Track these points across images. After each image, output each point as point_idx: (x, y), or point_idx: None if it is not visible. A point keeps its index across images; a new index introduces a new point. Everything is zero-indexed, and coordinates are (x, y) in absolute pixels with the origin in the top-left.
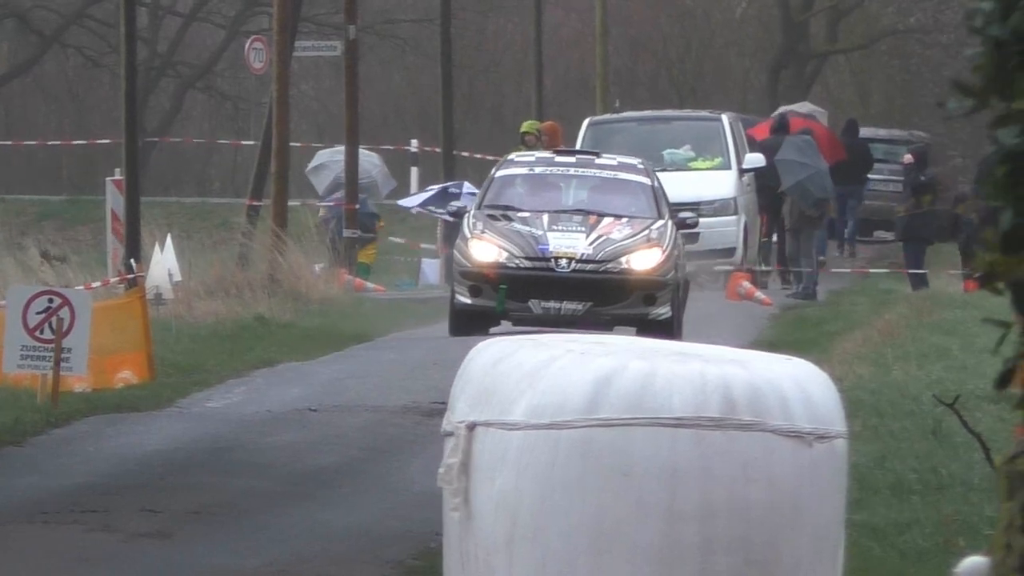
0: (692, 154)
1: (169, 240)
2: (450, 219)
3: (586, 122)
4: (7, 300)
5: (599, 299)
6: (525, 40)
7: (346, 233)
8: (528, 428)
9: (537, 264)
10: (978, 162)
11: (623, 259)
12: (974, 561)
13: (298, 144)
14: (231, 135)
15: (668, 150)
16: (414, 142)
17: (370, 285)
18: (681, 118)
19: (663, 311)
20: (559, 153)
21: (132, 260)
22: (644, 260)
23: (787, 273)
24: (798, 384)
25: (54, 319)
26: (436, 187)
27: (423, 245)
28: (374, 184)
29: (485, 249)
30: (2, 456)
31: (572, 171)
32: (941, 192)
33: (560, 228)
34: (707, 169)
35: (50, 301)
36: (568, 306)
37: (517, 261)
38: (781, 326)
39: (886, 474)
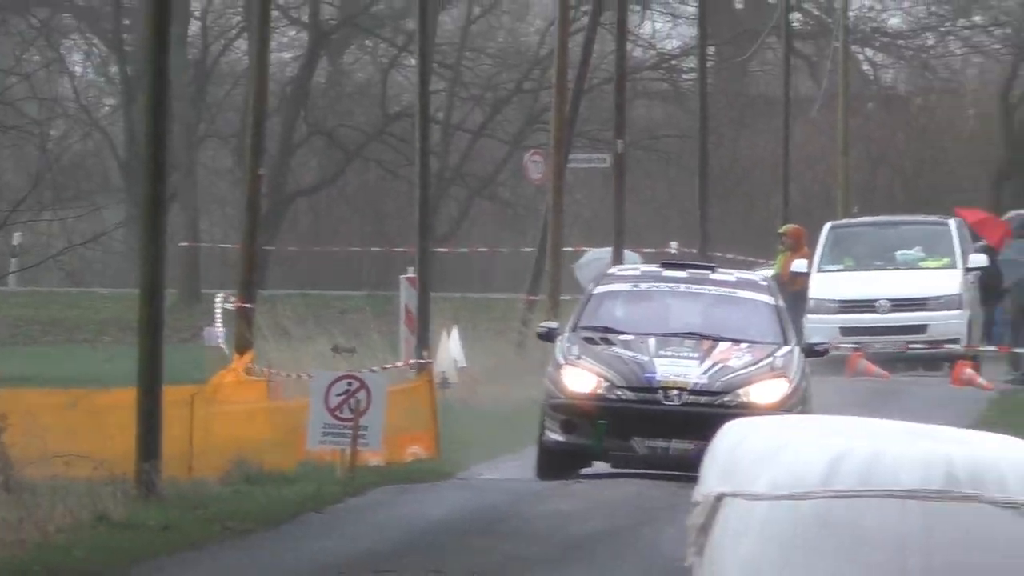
0: (923, 255)
1: (455, 331)
2: None
3: (827, 225)
4: (312, 384)
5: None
6: (776, 155)
7: None
8: (771, 499)
9: (642, 395)
10: None
11: (743, 391)
12: None
13: (570, 248)
14: (512, 238)
15: (900, 251)
16: (673, 244)
17: None
18: (913, 222)
19: None
20: (667, 267)
21: (422, 349)
22: (768, 392)
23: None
24: (1014, 460)
25: (353, 400)
26: None
27: None
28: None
29: (581, 378)
30: (306, 521)
31: (683, 287)
32: None
33: (669, 354)
34: (936, 268)
35: (349, 384)
36: (678, 445)
37: (619, 392)
38: (1001, 410)
39: None
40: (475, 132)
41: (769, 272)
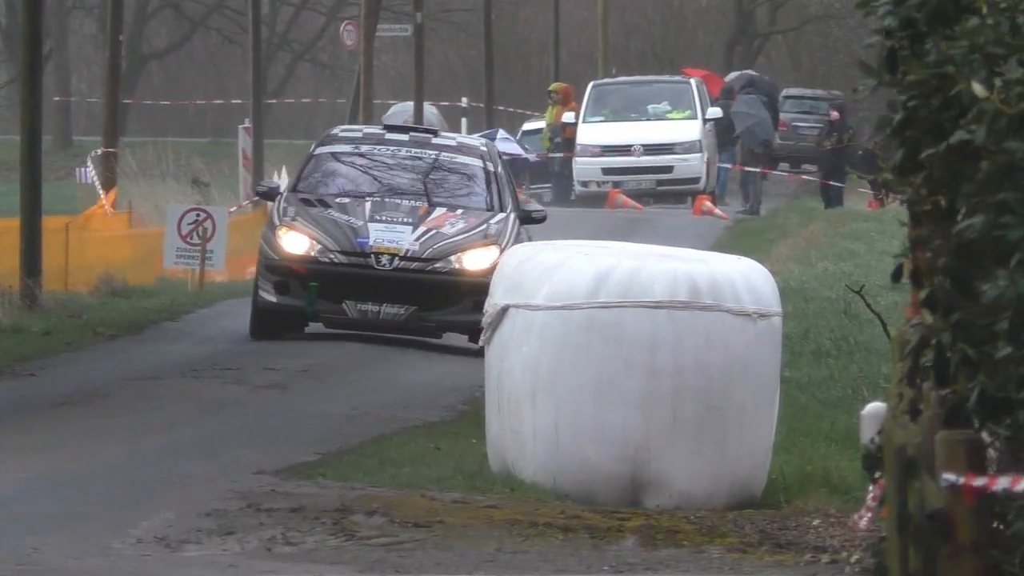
0: (669, 108)
1: (284, 170)
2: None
3: (591, 84)
4: (168, 214)
5: (425, 303)
6: (547, 24)
7: None
8: (548, 309)
9: (354, 260)
10: (877, 116)
11: (454, 257)
12: (875, 406)
13: (378, 101)
14: (330, 95)
15: (651, 105)
16: (464, 99)
17: None
18: (661, 81)
19: None
20: (390, 129)
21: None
22: (478, 260)
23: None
24: (745, 276)
25: (200, 228)
26: (479, 133)
27: None
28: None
29: (295, 240)
30: (163, 328)
31: (404, 151)
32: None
33: (384, 219)
34: (680, 119)
35: (197, 215)
36: (388, 310)
37: (331, 255)
38: (733, 235)
39: (809, 343)
40: (298, 5)
41: (541, 123)
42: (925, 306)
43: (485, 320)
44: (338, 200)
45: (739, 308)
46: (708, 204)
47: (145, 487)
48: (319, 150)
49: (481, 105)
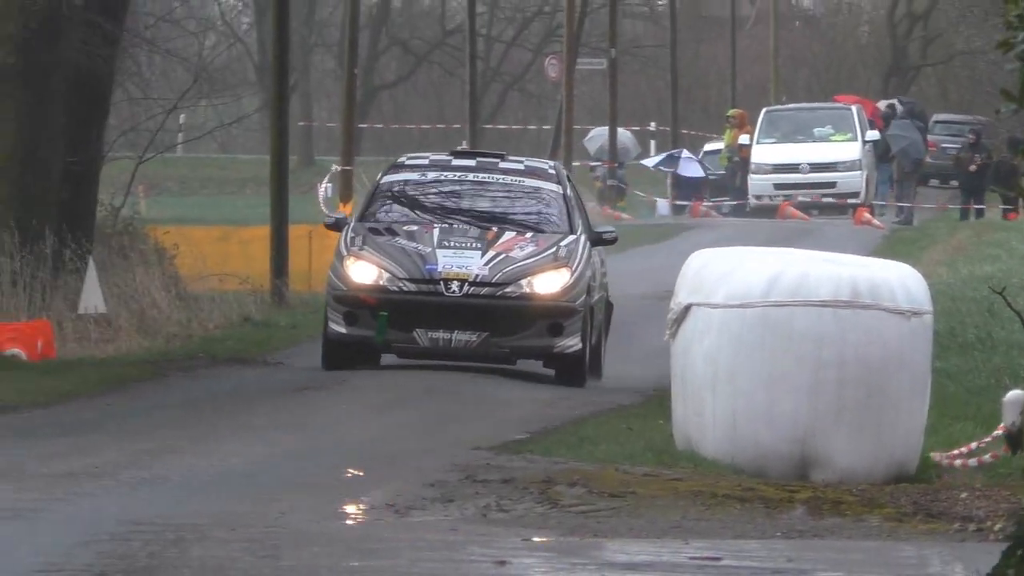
0: (832, 131)
1: None
2: (672, 172)
3: (763, 111)
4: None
5: (496, 328)
6: (725, 58)
7: (609, 182)
8: (726, 307)
9: (423, 287)
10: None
11: (524, 281)
12: (1015, 393)
13: (578, 126)
14: (536, 121)
15: (816, 128)
16: (652, 124)
17: (624, 216)
18: (826, 108)
19: (571, 343)
20: (457, 156)
21: None
22: (549, 283)
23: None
24: (900, 279)
25: None
26: (665, 153)
27: (656, 197)
28: (627, 150)
29: (363, 269)
30: None
31: (471, 176)
32: (992, 157)
33: (452, 244)
34: (842, 141)
35: None
36: (460, 337)
37: (400, 283)
38: (889, 243)
39: (956, 338)
40: (508, 42)
41: (720, 144)
42: None
43: (670, 317)
44: (406, 228)
45: (895, 307)
46: (867, 215)
47: (376, 460)
48: (386, 179)
49: (667, 129)
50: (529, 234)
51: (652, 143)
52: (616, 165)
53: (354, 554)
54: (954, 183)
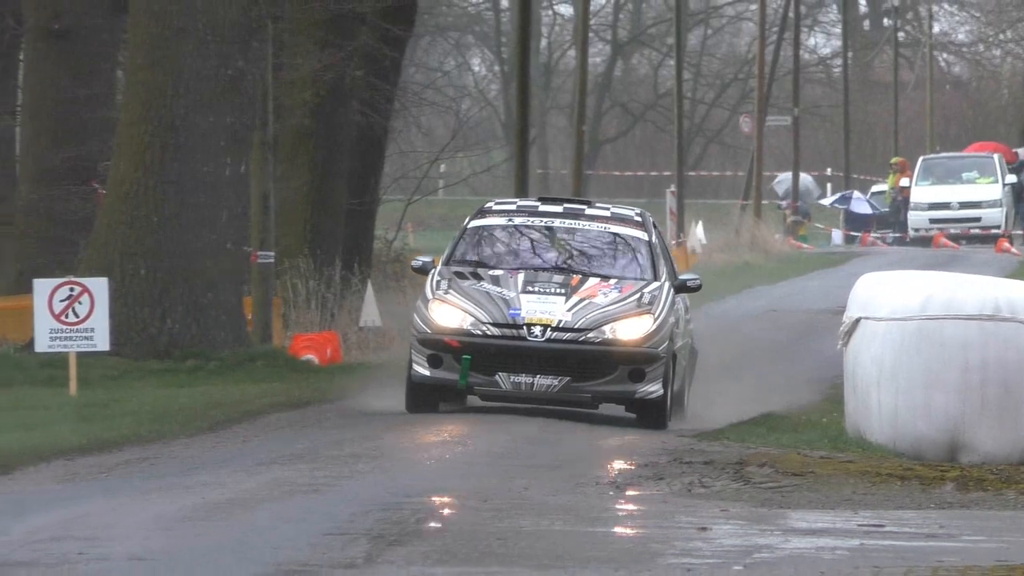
0: (978, 175)
1: (700, 223)
2: (845, 209)
3: (921, 158)
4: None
5: (578, 374)
6: (889, 115)
7: (792, 218)
8: (889, 320)
9: (507, 332)
10: None
11: (608, 327)
12: None
13: (767, 173)
14: (732, 168)
15: (964, 173)
16: (828, 170)
17: (806, 246)
18: (972, 156)
19: (653, 389)
20: (544, 202)
21: (682, 235)
22: (631, 329)
23: None
24: None
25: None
26: (840, 193)
27: (833, 229)
28: (808, 192)
29: (447, 313)
30: None
31: (556, 222)
32: None
33: (537, 290)
34: (986, 184)
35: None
36: (542, 381)
37: (483, 327)
38: None
39: None
40: (710, 104)
41: (885, 186)
42: None
43: (842, 329)
44: (491, 273)
45: None
46: (1007, 245)
47: (600, 447)
48: (473, 223)
49: (841, 174)
50: (613, 280)
51: (828, 185)
52: (798, 204)
53: (583, 521)
54: None
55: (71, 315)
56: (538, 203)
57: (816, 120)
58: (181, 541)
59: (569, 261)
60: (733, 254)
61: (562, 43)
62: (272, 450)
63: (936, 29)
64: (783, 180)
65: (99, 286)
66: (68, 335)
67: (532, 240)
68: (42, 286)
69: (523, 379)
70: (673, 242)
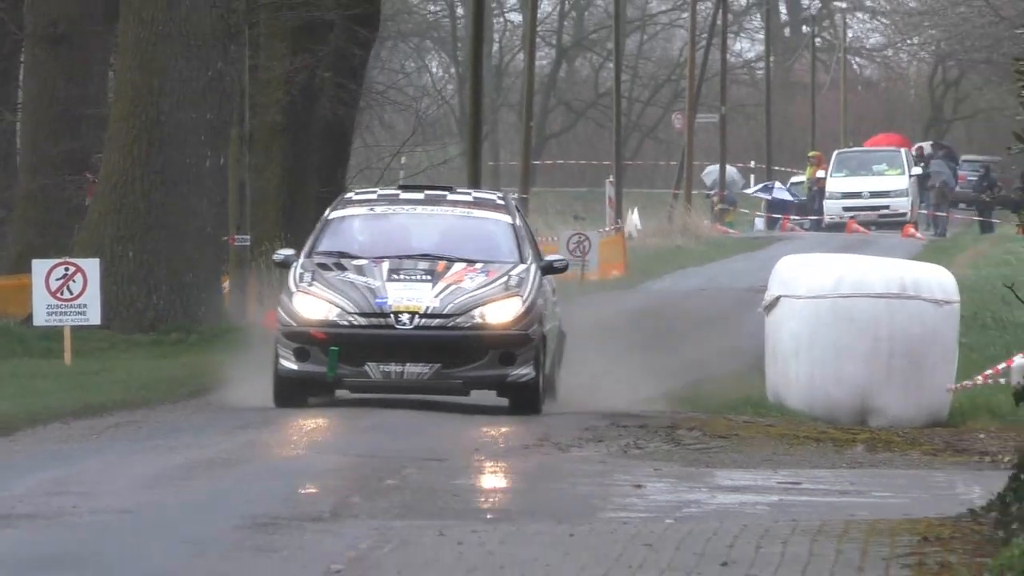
0: (886, 167)
1: (635, 210)
2: (767, 198)
3: (835, 152)
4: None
5: (448, 360)
6: (807, 113)
7: (719, 206)
8: (806, 298)
9: (374, 321)
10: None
11: (476, 311)
12: (1022, 360)
13: (697, 163)
14: (665, 159)
15: (875, 165)
16: (752, 162)
17: (731, 231)
18: (882, 150)
19: (525, 372)
20: (405, 189)
21: (620, 220)
22: (501, 312)
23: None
24: (936, 277)
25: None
26: (762, 184)
27: (756, 213)
28: (734, 182)
29: (312, 305)
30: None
31: (419, 209)
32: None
33: (402, 277)
34: (894, 175)
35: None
36: (412, 369)
37: (350, 318)
38: (928, 251)
39: (978, 320)
40: (645, 103)
41: (803, 177)
42: None
43: (764, 304)
44: (355, 263)
45: (932, 297)
46: (912, 230)
47: (544, 416)
48: (334, 214)
49: (763, 166)
50: (479, 265)
51: (752, 176)
52: (725, 193)
53: (527, 479)
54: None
55: (66, 292)
56: (399, 191)
57: (741, 117)
58: (165, 496)
59: (434, 247)
60: (666, 238)
61: (512, 47)
62: (247, 414)
63: (850, 35)
64: (711, 171)
65: (91, 266)
66: (63, 310)
67: (395, 228)
68: (40, 266)
69: (393, 368)
70: (611, 228)
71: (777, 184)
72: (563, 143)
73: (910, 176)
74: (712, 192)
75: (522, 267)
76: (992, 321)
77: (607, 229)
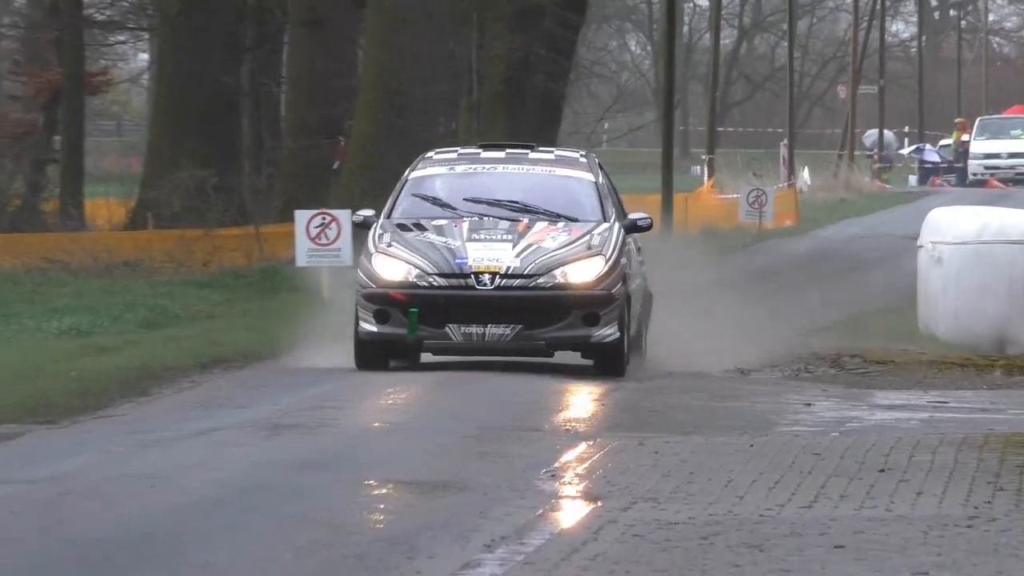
0: (1021, 132)
1: (806, 168)
2: (919, 158)
3: (978, 119)
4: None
5: (530, 321)
6: (954, 84)
7: (877, 165)
8: (952, 244)
9: (454, 282)
10: None
11: (558, 271)
12: None
13: (858, 130)
14: (831, 126)
15: (1013, 130)
16: (906, 127)
17: (888, 186)
18: (1016, 118)
19: (609, 332)
20: (486, 148)
21: (792, 177)
22: (583, 272)
23: None
24: None
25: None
26: (915, 145)
27: (910, 171)
28: (891, 144)
29: (392, 266)
30: (737, 252)
31: (500, 168)
32: None
33: (482, 237)
34: None
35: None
36: (494, 330)
37: (430, 279)
38: None
39: None
40: (813, 76)
41: (950, 141)
42: None
43: (919, 248)
44: (435, 223)
45: None
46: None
47: (741, 340)
48: (413, 174)
49: (916, 130)
50: (561, 224)
51: (906, 139)
52: (883, 153)
53: (716, 398)
54: None
55: (323, 238)
56: (479, 150)
57: (897, 88)
58: (412, 415)
59: (515, 206)
60: (832, 193)
61: (700, 28)
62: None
63: (991, 18)
64: (871, 135)
65: (344, 216)
66: (321, 254)
67: (476, 186)
68: (301, 216)
69: (474, 329)
70: (785, 184)
71: (928, 146)
72: (744, 111)
73: None
74: (872, 152)
75: (605, 226)
76: None
77: (781, 185)
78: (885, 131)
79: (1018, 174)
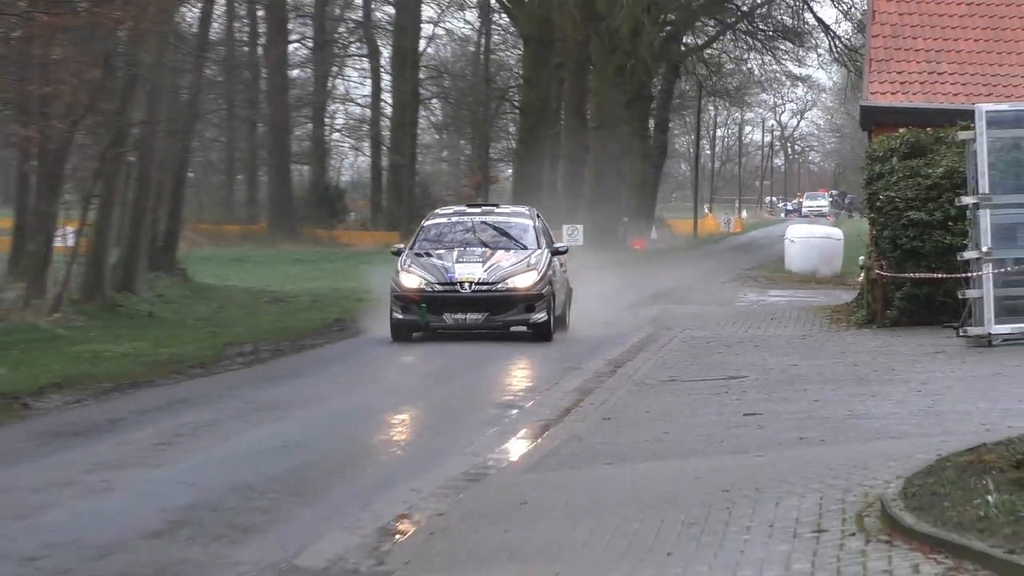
0: (820, 197)
1: (745, 210)
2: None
3: (806, 193)
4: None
5: (493, 310)
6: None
7: (769, 209)
8: (798, 238)
9: (447, 288)
10: None
11: (510, 280)
12: None
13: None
14: None
15: (818, 199)
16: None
17: (774, 216)
18: None
19: (540, 316)
20: (471, 206)
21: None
22: (524, 280)
23: None
24: None
25: None
26: (784, 204)
27: (781, 214)
28: (775, 202)
29: (411, 279)
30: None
31: (477, 218)
32: None
33: (464, 260)
34: None
35: None
36: (471, 317)
37: (433, 286)
38: None
39: None
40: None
41: (796, 201)
42: None
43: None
44: (437, 252)
45: None
46: None
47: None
48: (426, 223)
49: (782, 196)
50: (512, 251)
51: (783, 199)
52: (777, 206)
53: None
54: None
55: None
56: (466, 207)
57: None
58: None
59: (485, 241)
60: (755, 218)
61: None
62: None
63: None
64: (777, 199)
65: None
66: None
67: (462, 230)
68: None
69: (459, 316)
70: (737, 216)
71: (788, 203)
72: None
73: None
74: (769, 205)
75: (539, 251)
76: None
77: (737, 217)
78: (771, 197)
79: (816, 214)
